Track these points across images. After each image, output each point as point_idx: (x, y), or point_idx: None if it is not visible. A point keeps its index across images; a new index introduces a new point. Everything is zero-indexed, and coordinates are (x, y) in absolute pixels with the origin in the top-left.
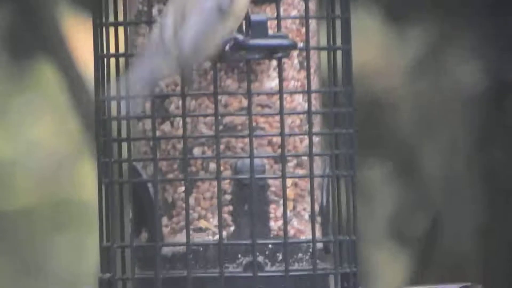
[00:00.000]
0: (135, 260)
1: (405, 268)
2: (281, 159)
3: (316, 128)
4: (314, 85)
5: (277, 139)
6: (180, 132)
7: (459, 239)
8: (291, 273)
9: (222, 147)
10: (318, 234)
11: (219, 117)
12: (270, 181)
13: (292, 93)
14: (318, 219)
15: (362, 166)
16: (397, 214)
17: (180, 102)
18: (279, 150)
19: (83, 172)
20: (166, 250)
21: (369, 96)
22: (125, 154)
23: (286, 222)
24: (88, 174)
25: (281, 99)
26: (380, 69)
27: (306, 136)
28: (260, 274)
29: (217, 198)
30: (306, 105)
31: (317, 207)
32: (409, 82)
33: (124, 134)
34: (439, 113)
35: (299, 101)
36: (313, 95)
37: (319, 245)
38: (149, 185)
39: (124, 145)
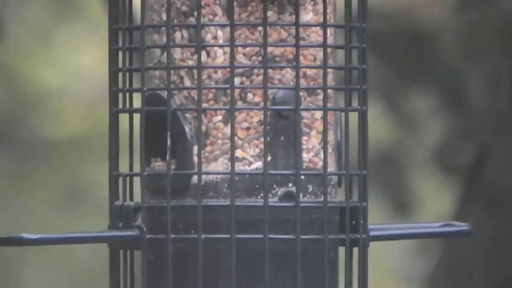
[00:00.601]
0: (164, 188)
1: (449, 199)
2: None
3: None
4: (335, 20)
5: (310, 72)
6: (216, 62)
7: (503, 173)
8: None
9: (260, 78)
10: (333, 167)
11: (259, 48)
12: (303, 113)
13: (332, 26)
14: (334, 153)
15: (408, 96)
16: (443, 145)
17: (218, 32)
18: (312, 83)
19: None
20: (197, 179)
21: (415, 27)
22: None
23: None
24: (135, 104)
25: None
26: None
27: (330, 70)
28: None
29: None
30: (331, 39)
31: (334, 142)
32: (456, 12)
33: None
34: (485, 44)
35: (326, 35)
36: (330, 30)
37: (334, 179)
38: (179, 113)
39: (135, 74)
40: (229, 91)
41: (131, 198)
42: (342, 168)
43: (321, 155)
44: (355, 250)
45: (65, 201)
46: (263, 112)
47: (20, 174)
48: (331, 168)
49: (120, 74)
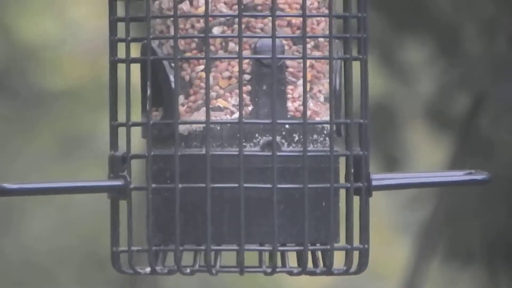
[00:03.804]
0: (151, 137)
1: (442, 152)
2: (303, 40)
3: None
4: None
5: (295, 21)
6: (199, 11)
7: (499, 125)
8: (308, 154)
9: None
10: (325, 116)
11: None
12: (288, 62)
13: None
14: (327, 102)
15: (402, 46)
16: (438, 96)
17: None
18: (298, 32)
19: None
20: (182, 129)
21: None
22: (136, 34)
23: (305, 103)
24: (132, 54)
25: None
26: None
27: (322, 19)
28: (278, 153)
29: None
30: None
31: (326, 91)
32: None
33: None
34: None
35: None
36: None
37: (327, 128)
38: (165, 63)
39: (134, 25)
40: (211, 40)
41: (129, 149)
42: (340, 117)
43: (310, 104)
44: (356, 200)
45: (64, 151)
46: (245, 61)
47: (19, 125)
48: (324, 117)
49: (117, 25)
